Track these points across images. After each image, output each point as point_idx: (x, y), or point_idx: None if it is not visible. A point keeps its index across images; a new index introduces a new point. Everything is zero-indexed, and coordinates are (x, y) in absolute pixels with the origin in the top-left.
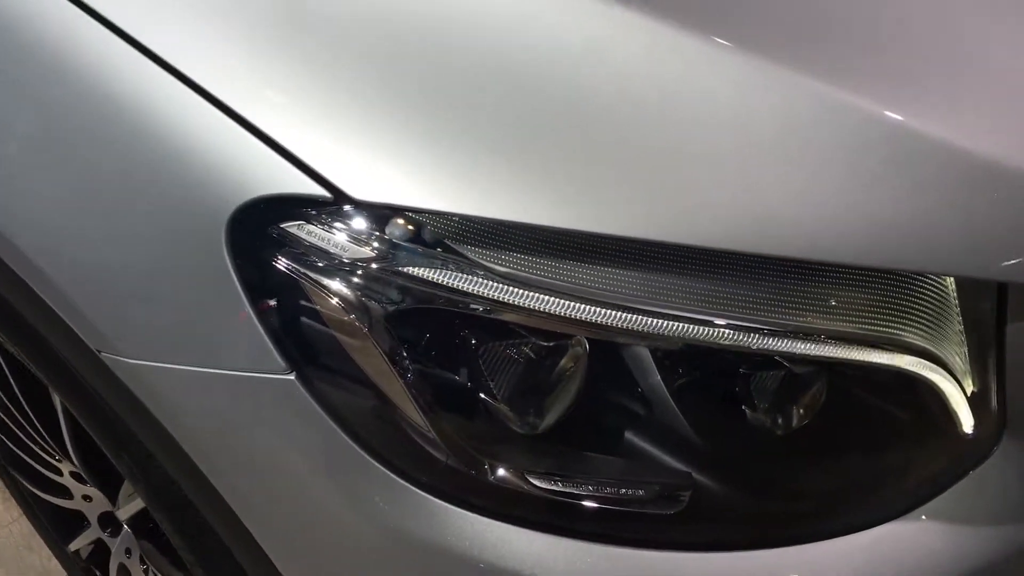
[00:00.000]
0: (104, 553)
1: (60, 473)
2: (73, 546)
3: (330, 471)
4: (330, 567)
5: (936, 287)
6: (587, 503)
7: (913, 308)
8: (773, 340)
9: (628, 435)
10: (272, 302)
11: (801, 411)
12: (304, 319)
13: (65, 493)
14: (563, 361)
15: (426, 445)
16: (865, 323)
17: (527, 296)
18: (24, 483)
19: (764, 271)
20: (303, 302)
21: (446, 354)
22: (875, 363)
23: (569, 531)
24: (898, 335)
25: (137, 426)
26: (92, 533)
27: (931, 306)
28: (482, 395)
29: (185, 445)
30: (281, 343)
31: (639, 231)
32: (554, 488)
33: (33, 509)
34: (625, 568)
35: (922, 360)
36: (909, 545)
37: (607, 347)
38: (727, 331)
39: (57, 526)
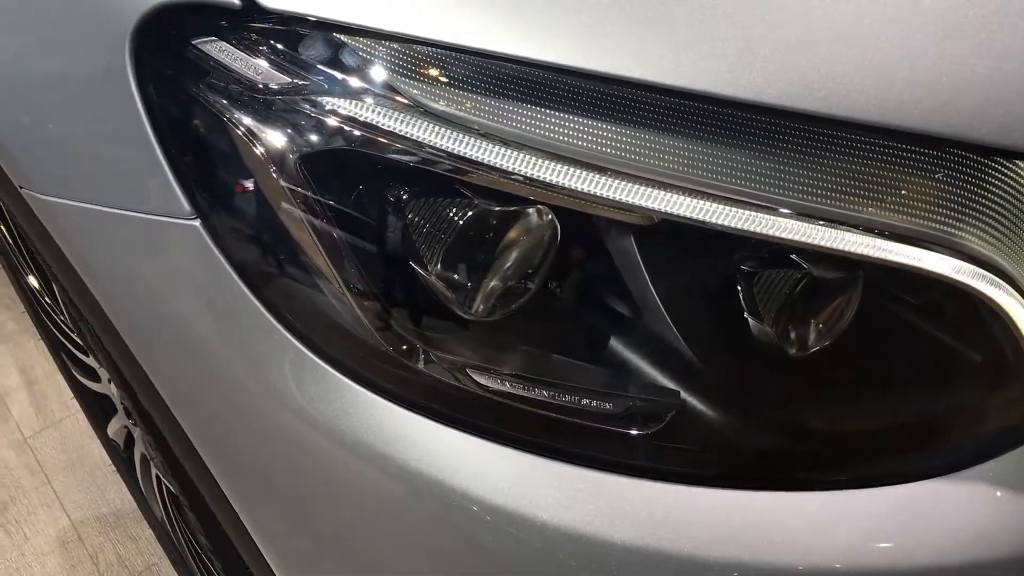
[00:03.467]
0: (133, 443)
1: (87, 353)
2: (110, 432)
3: (235, 334)
4: (232, 431)
5: (1013, 175)
6: (539, 411)
7: (978, 201)
8: (777, 224)
9: (611, 341)
10: (179, 135)
11: (821, 326)
12: (213, 157)
13: (93, 375)
14: (513, 232)
15: (345, 319)
16: (908, 215)
17: (466, 143)
18: (68, 365)
19: (781, 135)
20: (212, 137)
21: (375, 211)
22: (915, 267)
23: (513, 440)
24: (952, 235)
25: (59, 272)
26: (120, 420)
27: (1003, 201)
28: (413, 264)
29: (96, 292)
30: (186, 184)
31: (635, 71)
32: (499, 388)
33: (79, 393)
34: (578, 491)
35: (980, 270)
36: (952, 509)
37: (585, 231)
38: (718, 206)
39: (93, 410)
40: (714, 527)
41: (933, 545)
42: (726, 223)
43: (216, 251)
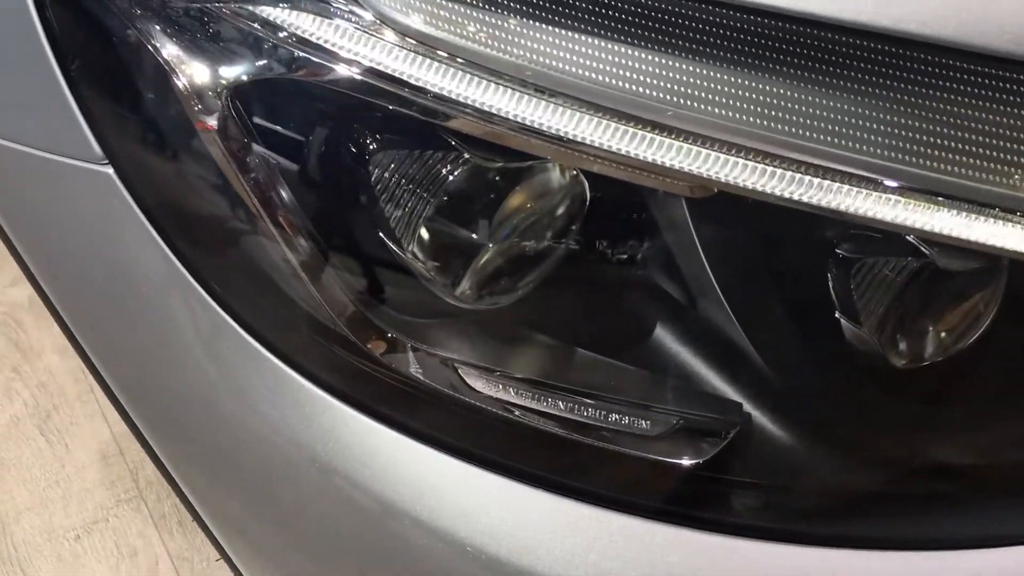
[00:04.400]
0: None
1: None
2: None
3: (160, 301)
4: (156, 398)
5: None
6: (550, 428)
7: None
8: (878, 203)
9: (653, 336)
10: (85, 59)
11: (943, 334)
12: (126, 88)
13: None
14: (519, 195)
15: (293, 294)
16: None
17: (460, 80)
18: None
19: (899, 73)
20: (125, 62)
21: (334, 164)
22: None
23: (513, 470)
24: None
25: None
26: None
27: None
28: (382, 233)
29: (12, 235)
30: (95, 122)
31: None
32: (498, 396)
33: None
34: (598, 540)
35: None
36: None
37: (623, 194)
38: (795, 175)
39: None
40: None
41: None
42: (807, 199)
43: (132, 204)
